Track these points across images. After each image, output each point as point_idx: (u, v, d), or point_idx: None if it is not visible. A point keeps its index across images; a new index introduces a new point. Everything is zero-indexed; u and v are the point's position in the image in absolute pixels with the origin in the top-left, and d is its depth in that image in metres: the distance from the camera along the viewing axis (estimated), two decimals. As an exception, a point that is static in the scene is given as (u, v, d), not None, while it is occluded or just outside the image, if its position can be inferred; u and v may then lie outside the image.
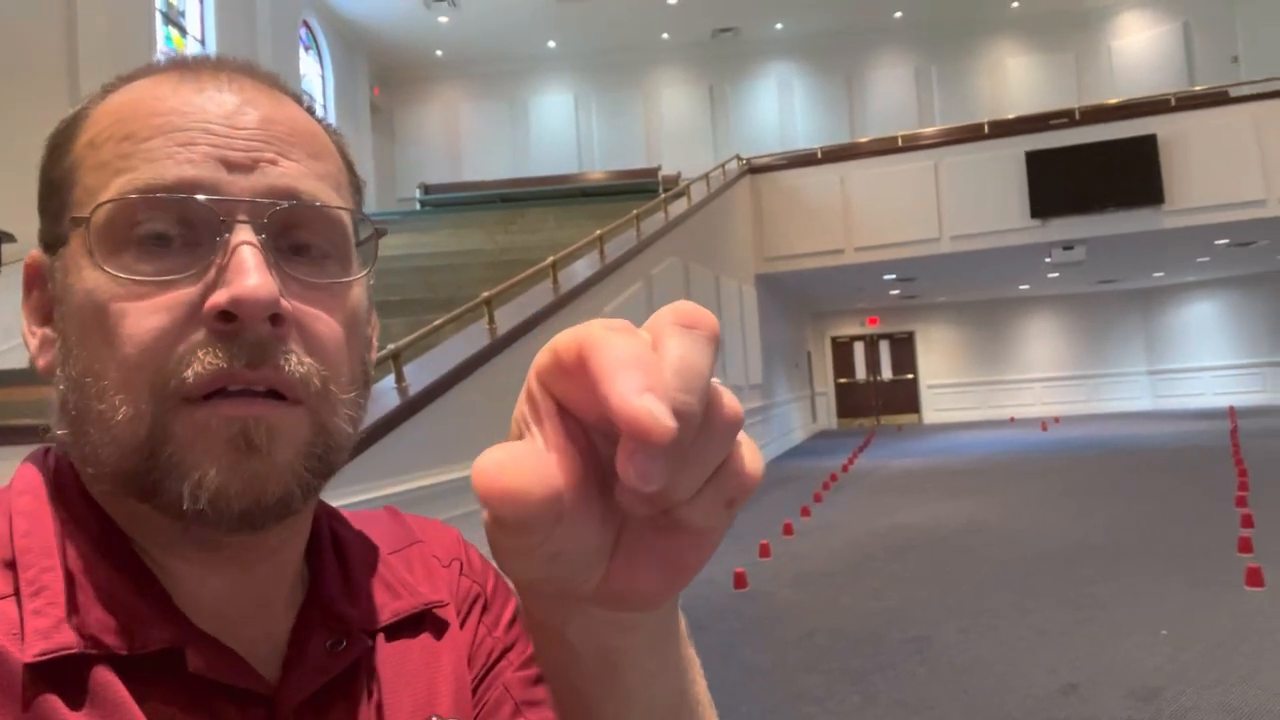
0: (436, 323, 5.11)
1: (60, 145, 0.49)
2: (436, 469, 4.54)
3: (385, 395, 4.14)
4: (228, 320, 0.43)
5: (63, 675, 0.40)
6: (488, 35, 16.99)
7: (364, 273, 0.50)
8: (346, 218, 0.49)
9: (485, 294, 5.54)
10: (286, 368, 0.44)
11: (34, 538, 0.44)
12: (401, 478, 4.17)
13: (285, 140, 0.48)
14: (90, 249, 0.44)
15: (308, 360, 0.45)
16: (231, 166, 0.45)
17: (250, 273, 0.43)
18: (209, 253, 0.44)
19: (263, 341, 0.43)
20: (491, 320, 5.52)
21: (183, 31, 10.97)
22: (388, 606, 0.52)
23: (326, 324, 0.47)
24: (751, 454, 0.33)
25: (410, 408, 4.28)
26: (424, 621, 0.53)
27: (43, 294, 0.49)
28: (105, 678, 0.41)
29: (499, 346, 5.31)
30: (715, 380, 0.31)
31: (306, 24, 14.67)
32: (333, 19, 15.47)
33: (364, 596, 0.52)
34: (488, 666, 0.56)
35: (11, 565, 0.43)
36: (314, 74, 15.07)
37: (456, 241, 11.24)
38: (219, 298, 0.43)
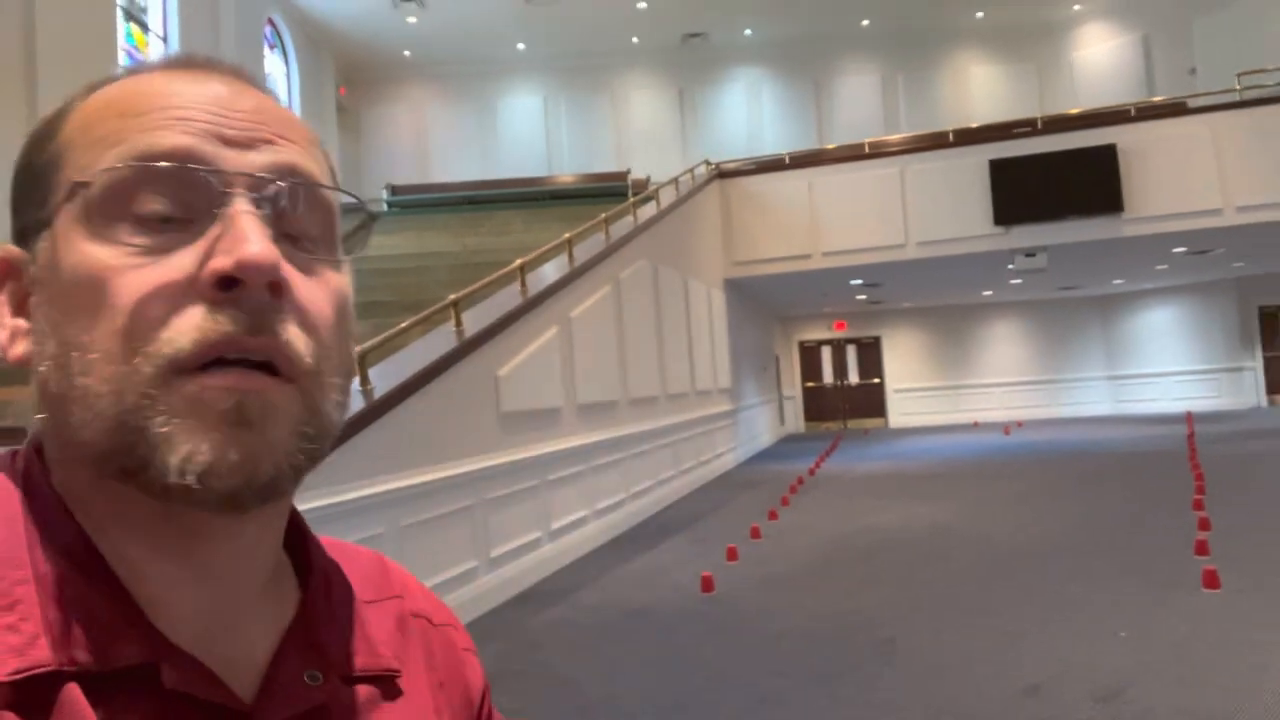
0: (402, 325, 5.07)
1: (44, 136, 0.47)
2: (402, 473, 4.50)
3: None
4: (226, 287, 0.42)
5: (32, 693, 0.39)
6: (456, 36, 16.90)
7: (351, 256, 0.50)
8: (337, 203, 0.49)
9: (452, 296, 5.51)
10: (284, 336, 0.43)
11: (5, 548, 0.42)
12: (365, 482, 4.13)
13: (281, 123, 0.48)
14: (86, 218, 0.43)
15: (303, 336, 0.44)
16: (229, 142, 0.45)
17: (254, 239, 0.42)
18: (206, 225, 0.43)
19: (263, 309, 0.42)
20: (459, 323, 5.48)
21: (144, 28, 10.79)
22: (359, 657, 0.51)
23: (319, 304, 0.46)
24: None
25: (375, 411, 4.24)
26: (384, 684, 0.52)
27: (15, 286, 0.47)
28: (73, 697, 0.39)
29: (466, 349, 5.27)
30: None
31: (271, 21, 14.49)
32: (298, 17, 15.30)
33: (342, 637, 0.51)
34: None
35: None
36: (279, 73, 14.89)
37: (423, 243, 11.17)
38: (221, 263, 0.42)
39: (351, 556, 0.58)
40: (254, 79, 0.50)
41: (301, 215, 0.47)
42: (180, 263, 0.42)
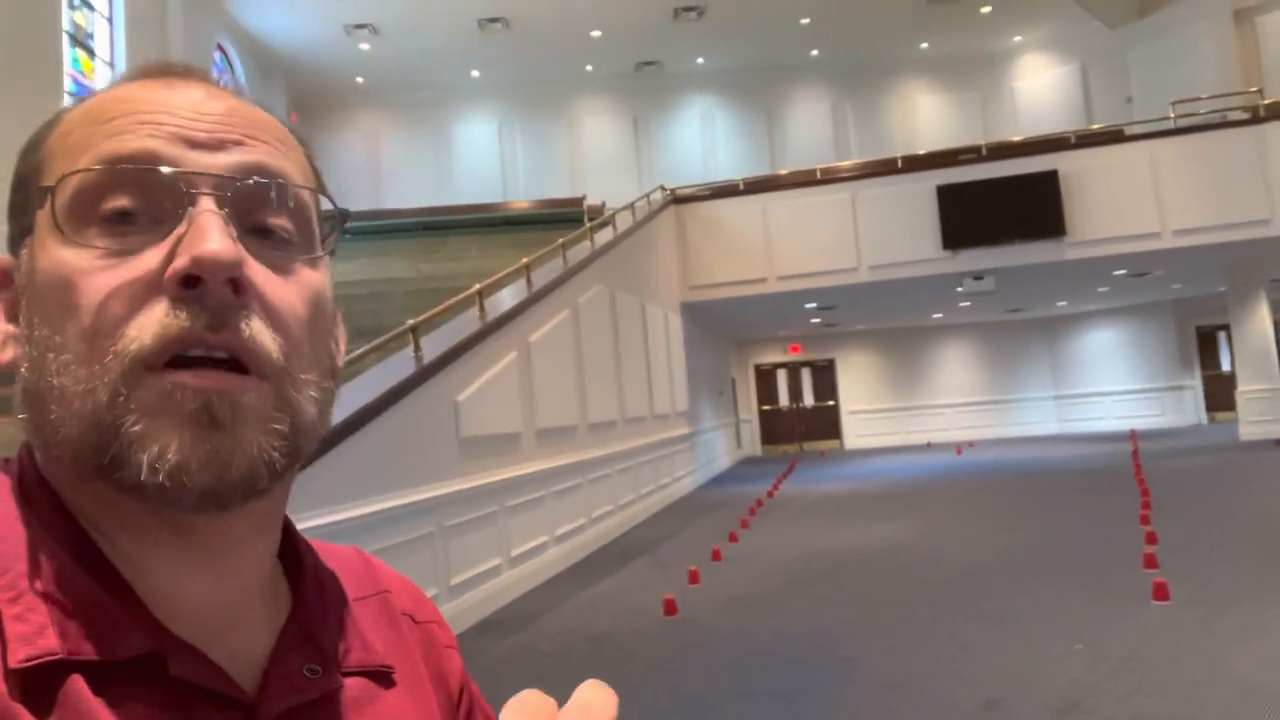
0: (359, 351, 5.02)
1: (30, 147, 0.49)
2: (360, 500, 4.44)
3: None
4: (190, 286, 0.42)
5: (41, 682, 0.40)
6: (410, 63, 16.88)
7: (326, 254, 0.51)
8: (311, 200, 0.50)
9: (411, 321, 5.47)
10: (247, 333, 0.44)
11: (6, 543, 0.43)
12: (322, 510, 4.06)
13: (251, 125, 0.49)
14: (56, 224, 0.44)
15: (269, 332, 0.45)
16: (195, 145, 0.46)
17: (212, 237, 0.43)
18: (173, 226, 0.44)
19: (224, 305, 0.43)
20: (417, 348, 5.44)
21: (91, 54, 10.62)
22: (353, 653, 0.52)
23: (289, 302, 0.46)
24: None
25: (333, 438, 4.18)
26: (379, 678, 0.53)
27: (8, 294, 0.49)
28: (78, 687, 0.40)
29: (425, 375, 5.24)
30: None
31: (221, 48, 14.35)
32: (248, 44, 15.17)
33: (335, 634, 0.52)
34: None
35: None
36: (229, 99, 14.69)
37: (378, 270, 11.07)
38: (180, 262, 0.42)
39: (334, 555, 0.58)
40: (234, 85, 0.52)
41: (274, 213, 0.47)
42: (145, 263, 0.43)
